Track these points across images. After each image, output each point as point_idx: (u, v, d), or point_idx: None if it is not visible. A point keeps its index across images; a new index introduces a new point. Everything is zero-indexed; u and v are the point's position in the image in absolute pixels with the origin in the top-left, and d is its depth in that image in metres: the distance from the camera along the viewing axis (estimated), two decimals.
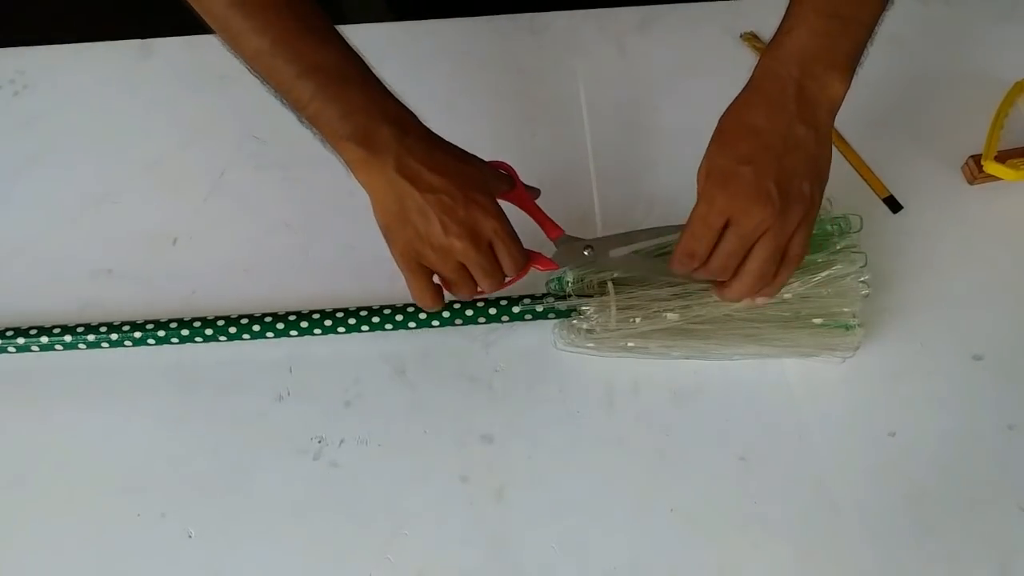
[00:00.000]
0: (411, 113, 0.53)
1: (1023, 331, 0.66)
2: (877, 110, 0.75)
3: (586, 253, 0.60)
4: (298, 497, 0.61)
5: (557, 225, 0.60)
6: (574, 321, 0.64)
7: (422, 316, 0.64)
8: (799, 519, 0.60)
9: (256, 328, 0.65)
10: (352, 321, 0.64)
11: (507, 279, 0.56)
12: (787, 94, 0.52)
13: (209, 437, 0.63)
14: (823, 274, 0.62)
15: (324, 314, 0.65)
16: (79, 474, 0.62)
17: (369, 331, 0.65)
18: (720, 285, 0.57)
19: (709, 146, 0.54)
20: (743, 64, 0.77)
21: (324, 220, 0.72)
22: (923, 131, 0.74)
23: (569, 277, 0.64)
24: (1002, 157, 0.69)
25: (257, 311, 0.66)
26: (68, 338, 0.65)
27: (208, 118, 0.77)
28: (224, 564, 0.59)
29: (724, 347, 0.63)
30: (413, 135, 0.52)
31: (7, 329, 0.66)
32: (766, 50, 0.54)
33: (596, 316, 0.63)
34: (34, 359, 0.66)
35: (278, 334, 0.65)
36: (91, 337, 0.65)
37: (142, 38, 0.81)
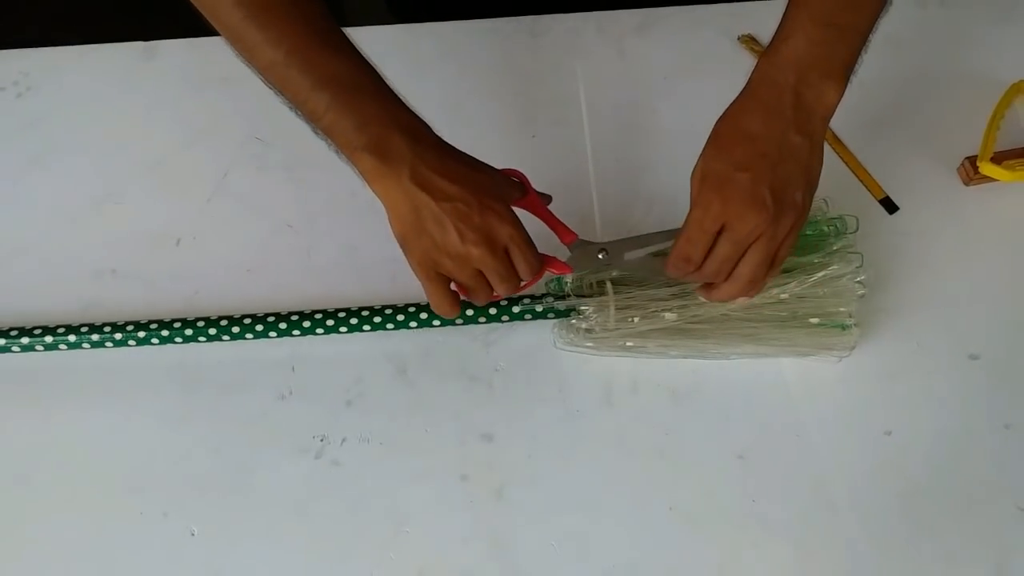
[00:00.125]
0: (424, 123, 0.54)
1: (1019, 331, 0.66)
2: (873, 111, 0.76)
3: (600, 256, 0.60)
4: (300, 496, 0.62)
5: (571, 230, 0.60)
6: (573, 321, 0.64)
7: (423, 316, 0.65)
8: (797, 518, 0.60)
9: (259, 328, 0.65)
10: (354, 321, 0.65)
11: (522, 283, 0.57)
12: (783, 101, 0.52)
13: (212, 436, 0.64)
14: (819, 274, 0.62)
15: (326, 314, 0.65)
16: (82, 473, 0.63)
17: (371, 331, 0.65)
18: (708, 286, 0.58)
19: (704, 150, 0.54)
20: (741, 66, 0.78)
21: (327, 221, 0.72)
22: (919, 132, 0.75)
23: (568, 277, 0.65)
24: (998, 158, 0.70)
25: (260, 311, 0.66)
26: (72, 338, 0.65)
27: (211, 119, 0.77)
28: (226, 562, 0.60)
29: (722, 347, 0.63)
30: (426, 145, 0.52)
31: (11, 329, 0.66)
32: (763, 56, 0.54)
33: (595, 316, 0.63)
34: (38, 359, 0.67)
35: (280, 334, 0.65)
36: (95, 337, 0.65)
37: (145, 40, 0.82)
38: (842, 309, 0.63)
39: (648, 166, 0.74)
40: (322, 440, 0.63)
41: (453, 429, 0.63)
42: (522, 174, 0.59)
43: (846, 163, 0.74)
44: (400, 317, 0.65)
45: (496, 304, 0.65)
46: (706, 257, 0.55)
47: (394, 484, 0.62)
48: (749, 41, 0.80)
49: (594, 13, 0.82)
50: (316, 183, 0.74)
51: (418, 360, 0.66)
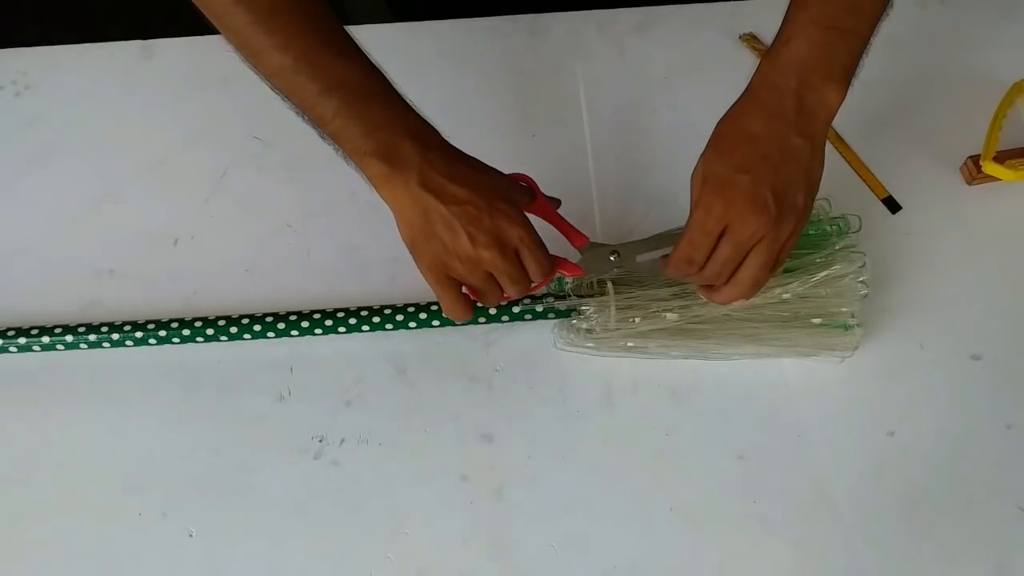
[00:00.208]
0: (433, 128, 0.53)
1: (1021, 331, 0.66)
2: (876, 111, 0.75)
3: (612, 259, 0.60)
4: (299, 496, 0.61)
5: (581, 233, 0.60)
6: (574, 321, 0.64)
7: (423, 316, 0.65)
8: (798, 518, 0.60)
9: (257, 328, 0.65)
10: (353, 321, 0.65)
11: (533, 284, 0.56)
12: (785, 104, 0.52)
13: (210, 436, 0.64)
14: (822, 274, 0.62)
15: (325, 314, 0.65)
16: (80, 473, 0.63)
17: (370, 331, 0.65)
18: (709, 288, 0.58)
19: (705, 151, 0.54)
20: (742, 65, 0.78)
21: (325, 220, 0.72)
22: (921, 132, 0.75)
23: (569, 277, 0.64)
24: (1000, 157, 0.69)
25: (258, 311, 0.66)
26: (70, 338, 0.65)
27: (210, 119, 0.77)
28: (225, 563, 0.59)
29: (723, 347, 0.63)
30: (435, 150, 0.52)
31: (9, 329, 0.66)
32: (764, 59, 0.54)
33: (596, 316, 0.63)
34: (36, 359, 0.67)
35: (279, 334, 0.65)
36: (93, 337, 0.65)
37: (144, 39, 0.81)
38: (844, 309, 0.63)
39: (648, 166, 0.74)
40: (321, 440, 0.63)
41: (453, 429, 0.63)
42: (530, 179, 0.59)
43: (848, 162, 0.74)
44: (399, 317, 0.65)
45: (495, 304, 0.65)
46: (708, 259, 0.54)
47: (393, 484, 0.62)
48: (750, 40, 0.79)
49: (594, 12, 0.82)
50: (315, 183, 0.73)
51: (418, 360, 0.66)
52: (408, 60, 0.79)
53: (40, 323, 0.66)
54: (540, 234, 0.55)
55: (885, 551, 0.59)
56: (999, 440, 0.62)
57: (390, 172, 0.51)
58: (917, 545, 0.59)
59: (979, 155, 0.70)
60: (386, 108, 0.52)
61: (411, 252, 0.54)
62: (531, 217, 0.56)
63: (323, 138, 0.53)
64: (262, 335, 0.65)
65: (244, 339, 0.65)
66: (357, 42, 0.53)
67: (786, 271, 0.63)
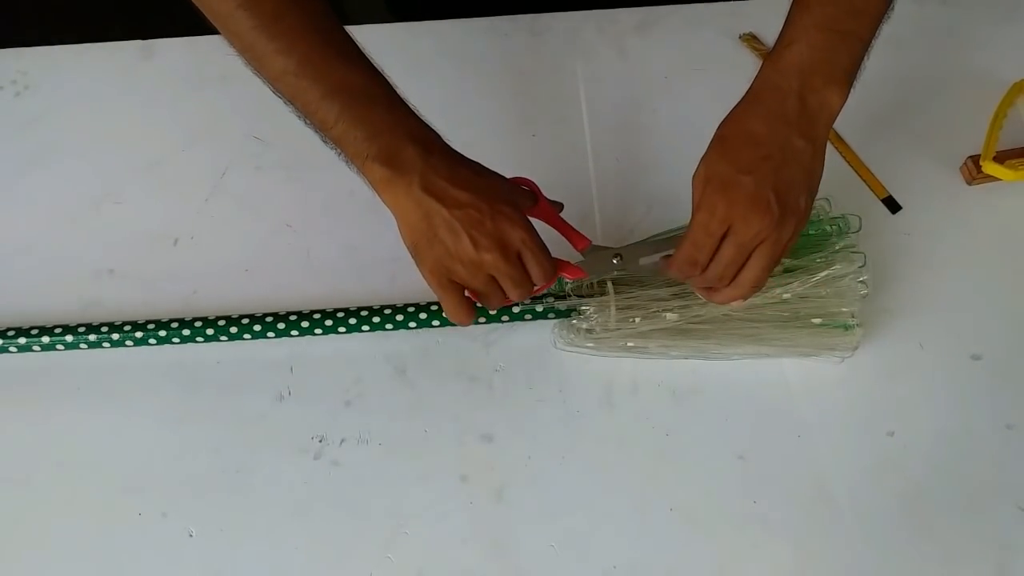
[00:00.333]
0: (435, 132, 0.54)
1: (1021, 331, 0.66)
2: (876, 111, 0.75)
3: (615, 262, 0.60)
4: (299, 496, 0.61)
5: (584, 236, 0.60)
6: (574, 321, 0.64)
7: (422, 316, 0.64)
8: (798, 518, 0.60)
9: (257, 328, 0.65)
10: (353, 321, 0.65)
11: (535, 287, 0.56)
12: (787, 106, 0.52)
13: (210, 436, 0.64)
14: (822, 274, 0.62)
15: (325, 314, 0.65)
16: (80, 473, 0.63)
17: (370, 331, 0.65)
18: (710, 289, 0.58)
19: (708, 153, 0.54)
20: (742, 65, 0.78)
21: (325, 220, 0.72)
22: (922, 132, 0.75)
23: (570, 279, 0.64)
24: (1001, 157, 0.69)
25: (258, 311, 0.66)
26: (70, 338, 0.65)
27: (209, 119, 0.77)
28: (225, 563, 0.59)
29: (723, 347, 0.63)
30: (437, 154, 0.52)
31: (9, 329, 0.66)
32: (766, 61, 0.54)
33: (596, 316, 0.63)
34: (36, 359, 0.66)
35: (279, 334, 0.65)
36: (93, 337, 0.65)
37: (143, 39, 0.81)
38: (844, 309, 0.63)
39: (648, 166, 0.74)
40: (321, 441, 0.63)
41: (453, 429, 0.63)
42: (532, 182, 0.59)
43: (848, 162, 0.74)
44: (399, 317, 0.65)
45: (497, 307, 0.64)
46: (711, 260, 0.55)
47: (393, 485, 0.62)
48: (751, 40, 0.79)
49: (594, 12, 0.82)
50: (315, 183, 0.73)
51: (418, 360, 0.66)
52: (408, 60, 0.79)
53: (40, 323, 0.66)
54: (542, 237, 0.55)
55: (885, 551, 0.59)
56: (999, 440, 0.62)
57: (392, 176, 0.51)
58: (917, 545, 0.59)
59: (979, 155, 0.70)
60: (388, 112, 0.52)
61: (413, 256, 0.54)
62: (534, 221, 0.56)
63: (325, 142, 0.53)
64: (262, 335, 0.65)
65: (244, 339, 0.65)
66: (360, 46, 0.53)
67: (786, 271, 0.63)
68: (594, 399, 0.64)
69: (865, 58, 0.54)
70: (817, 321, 0.63)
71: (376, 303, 0.66)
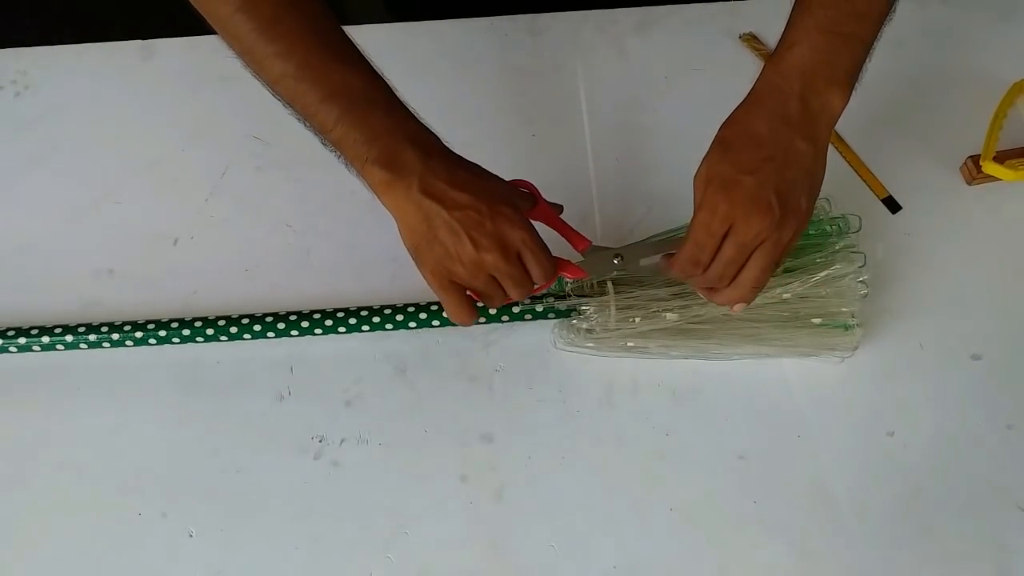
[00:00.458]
0: (434, 135, 0.54)
1: (1021, 331, 0.66)
2: (876, 111, 0.75)
3: (616, 262, 0.60)
4: (299, 496, 0.61)
5: (584, 237, 0.60)
6: (574, 321, 0.64)
7: (422, 316, 0.64)
8: (798, 518, 0.60)
9: (257, 328, 0.65)
10: (353, 321, 0.65)
11: (535, 286, 0.56)
12: (789, 108, 0.53)
13: (210, 436, 0.64)
14: (822, 274, 0.62)
15: (325, 314, 0.65)
16: (80, 473, 0.63)
17: (370, 331, 0.65)
18: (710, 289, 0.58)
19: (709, 153, 0.54)
20: (742, 65, 0.78)
21: (325, 220, 0.72)
22: (922, 132, 0.75)
23: (571, 279, 0.64)
24: (1001, 157, 0.69)
25: (258, 311, 0.66)
26: (69, 338, 0.65)
27: (209, 118, 0.77)
28: (225, 563, 0.59)
29: (723, 347, 0.63)
30: (436, 156, 0.52)
31: (8, 329, 0.66)
32: (768, 63, 0.54)
33: (596, 316, 0.63)
34: (36, 359, 0.66)
35: (279, 334, 0.65)
36: (92, 337, 0.65)
37: (143, 39, 0.81)
38: (844, 309, 0.63)
39: (648, 166, 0.74)
40: (321, 441, 0.63)
41: (453, 430, 0.63)
42: (531, 184, 0.59)
43: (849, 162, 0.74)
44: (399, 317, 0.65)
45: (498, 306, 0.64)
46: (712, 260, 0.55)
47: (393, 485, 0.62)
48: (750, 39, 0.79)
49: (594, 11, 0.82)
50: (315, 182, 0.73)
51: (417, 360, 0.66)
52: (407, 60, 0.80)
53: (40, 323, 0.66)
54: (543, 238, 0.55)
55: (885, 551, 0.59)
56: (999, 440, 0.62)
57: (392, 179, 0.51)
58: (917, 545, 0.59)
59: (979, 155, 0.70)
60: (388, 115, 0.52)
61: (414, 258, 0.54)
62: (534, 223, 0.56)
63: (325, 145, 0.53)
64: (262, 335, 0.65)
65: (244, 339, 0.65)
66: (359, 49, 0.53)
67: (786, 271, 0.63)
68: (594, 399, 0.64)
69: (867, 60, 0.54)
70: (817, 321, 0.63)
71: (376, 303, 0.66)
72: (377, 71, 0.53)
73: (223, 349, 0.66)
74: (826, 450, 0.62)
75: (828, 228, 0.66)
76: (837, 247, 0.64)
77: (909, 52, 0.78)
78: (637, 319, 0.63)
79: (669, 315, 0.62)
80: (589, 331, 0.63)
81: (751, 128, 0.53)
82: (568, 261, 0.58)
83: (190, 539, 0.60)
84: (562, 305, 0.64)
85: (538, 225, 0.56)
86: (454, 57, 0.80)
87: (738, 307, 0.58)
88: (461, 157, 0.54)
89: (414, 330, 0.66)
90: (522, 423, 0.63)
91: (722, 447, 0.62)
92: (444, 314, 0.64)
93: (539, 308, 0.65)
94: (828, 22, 0.52)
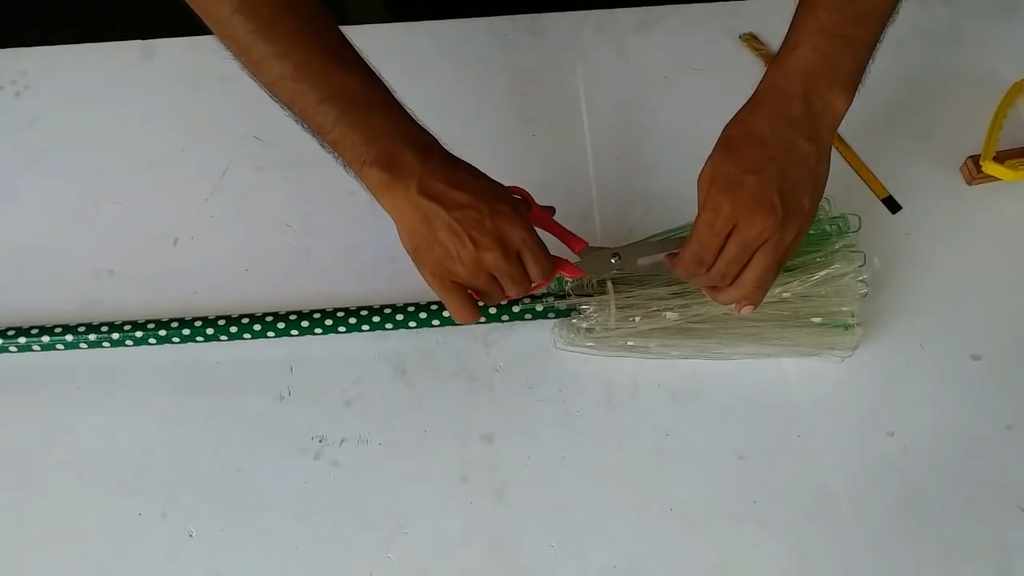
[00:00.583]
0: (433, 137, 0.54)
1: (1021, 331, 0.66)
2: (876, 111, 0.75)
3: (613, 261, 0.60)
4: (299, 496, 0.61)
5: (580, 238, 0.60)
6: (574, 320, 0.64)
7: (422, 316, 0.64)
8: (798, 518, 0.60)
9: (257, 327, 0.65)
10: (353, 320, 0.65)
11: (533, 284, 0.57)
12: (792, 109, 0.53)
13: (210, 436, 0.63)
14: (822, 273, 0.62)
15: (325, 313, 0.65)
16: (80, 473, 0.63)
17: (370, 330, 0.65)
18: (713, 288, 0.58)
19: (713, 153, 0.54)
20: (742, 65, 0.78)
21: (325, 220, 0.72)
22: (922, 132, 0.75)
23: (569, 278, 0.64)
24: (1001, 157, 0.69)
25: (258, 311, 0.66)
26: (69, 337, 0.65)
27: (209, 118, 0.77)
28: (225, 563, 0.59)
29: (723, 346, 0.63)
30: (435, 159, 0.53)
31: (9, 328, 0.66)
32: (771, 65, 0.55)
33: (595, 315, 0.63)
34: (36, 358, 0.66)
35: (279, 333, 0.65)
36: (92, 336, 0.65)
37: (143, 39, 0.81)
38: (844, 308, 0.63)
39: (648, 166, 0.74)
40: (321, 441, 0.63)
41: (453, 430, 0.63)
42: (524, 190, 0.59)
43: (849, 162, 0.73)
44: (399, 316, 0.65)
45: (496, 303, 0.65)
46: (715, 259, 0.55)
47: (393, 485, 0.62)
48: (750, 40, 0.79)
49: (594, 11, 0.82)
50: (315, 182, 0.73)
51: (417, 360, 0.66)
52: (406, 60, 0.80)
53: (40, 323, 0.66)
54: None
55: (885, 551, 0.59)
56: (999, 440, 0.62)
57: (390, 180, 0.52)
58: (917, 545, 0.59)
59: (979, 155, 0.70)
60: (386, 117, 0.52)
61: (414, 260, 0.55)
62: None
63: (323, 146, 0.54)
64: (262, 335, 0.65)
65: (244, 339, 0.65)
66: (358, 51, 0.53)
67: (786, 270, 0.63)
68: (594, 399, 0.64)
69: (870, 62, 0.54)
70: (817, 320, 0.63)
71: (376, 303, 0.66)
72: (375, 73, 0.53)
73: (223, 349, 0.66)
74: (826, 450, 0.62)
75: (828, 228, 0.66)
76: (837, 246, 0.64)
77: (909, 52, 0.78)
78: (637, 318, 0.63)
79: (669, 314, 0.62)
80: (589, 330, 0.63)
81: (754, 129, 0.53)
82: (566, 260, 0.59)
83: (190, 539, 0.60)
84: (562, 304, 0.64)
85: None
86: (454, 57, 0.80)
87: (746, 309, 0.58)
88: (459, 159, 0.55)
89: (414, 330, 0.66)
90: (522, 423, 0.63)
91: (722, 447, 0.62)
92: (444, 313, 0.64)
93: (539, 308, 0.65)
94: (831, 24, 0.52)
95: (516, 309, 0.65)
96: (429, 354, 0.66)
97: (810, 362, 0.64)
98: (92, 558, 0.60)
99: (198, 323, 0.65)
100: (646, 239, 0.65)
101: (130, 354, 0.66)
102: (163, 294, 0.69)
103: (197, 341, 0.65)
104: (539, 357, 0.66)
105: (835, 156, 0.73)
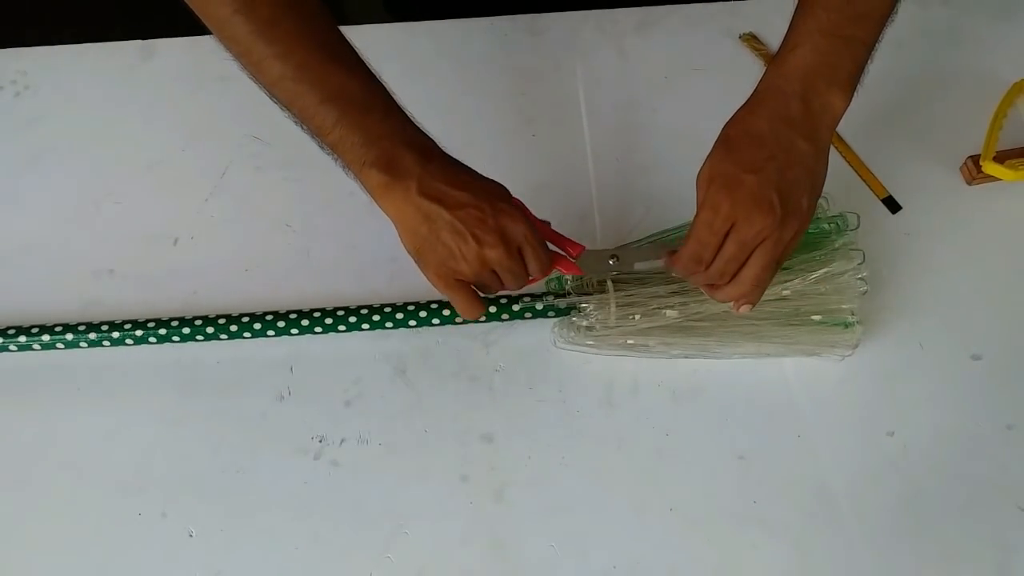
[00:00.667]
0: (431, 139, 0.54)
1: (1021, 331, 0.66)
2: (876, 111, 0.75)
3: (611, 262, 0.60)
4: (299, 496, 0.61)
5: (576, 243, 0.60)
6: (574, 319, 0.64)
7: (422, 315, 0.64)
8: (798, 518, 0.60)
9: (257, 326, 0.65)
10: (353, 320, 0.65)
11: (530, 278, 0.57)
12: (791, 108, 0.53)
13: (210, 436, 0.63)
14: (821, 271, 0.62)
15: (325, 313, 0.65)
16: (80, 473, 0.62)
17: (370, 330, 0.65)
18: (711, 286, 0.58)
19: (712, 152, 0.54)
20: (742, 65, 0.78)
21: (325, 220, 0.72)
22: (922, 132, 0.75)
23: (569, 275, 0.64)
24: (1000, 157, 0.69)
25: (258, 310, 0.66)
26: (70, 336, 0.65)
27: (209, 118, 0.77)
28: (225, 563, 0.59)
29: (723, 345, 0.63)
30: (435, 160, 0.53)
31: (9, 327, 0.66)
32: (770, 65, 0.55)
33: (596, 314, 0.63)
34: (36, 358, 0.66)
35: (279, 332, 0.65)
36: (93, 336, 0.65)
37: (143, 39, 0.81)
38: (844, 306, 0.63)
39: (648, 166, 0.74)
40: (321, 441, 0.63)
41: (453, 429, 0.63)
42: (519, 201, 0.59)
43: (849, 162, 0.74)
44: (399, 316, 0.65)
45: (496, 303, 0.65)
46: (714, 257, 0.55)
47: (393, 485, 0.62)
48: (751, 40, 0.79)
49: (594, 11, 0.82)
50: (315, 182, 0.73)
51: (417, 360, 0.66)
52: (406, 60, 0.80)
53: (40, 322, 0.66)
54: None
55: (885, 551, 0.59)
56: (999, 440, 0.62)
57: (390, 181, 0.52)
58: (917, 545, 0.59)
59: (979, 155, 0.70)
60: (386, 119, 0.53)
61: (416, 261, 0.55)
62: None
63: (322, 147, 0.54)
64: (262, 334, 0.65)
65: (244, 338, 0.65)
66: (357, 52, 0.53)
67: (786, 268, 0.63)
68: (594, 399, 0.64)
69: (869, 62, 0.54)
70: (817, 318, 0.63)
71: (376, 302, 0.66)
72: (375, 75, 0.54)
73: (223, 349, 0.66)
74: (826, 449, 0.62)
75: (827, 226, 0.66)
76: (836, 245, 0.64)
77: (909, 52, 0.78)
78: (637, 316, 0.63)
79: (669, 312, 0.62)
80: (589, 329, 0.63)
81: (753, 128, 0.53)
82: (564, 256, 0.59)
83: (190, 539, 0.60)
84: (562, 303, 0.64)
85: None
86: (454, 57, 0.80)
87: (744, 308, 0.58)
88: (457, 161, 0.55)
89: (414, 330, 0.66)
90: (522, 423, 0.63)
91: (722, 447, 0.62)
92: (444, 313, 0.64)
93: (539, 306, 0.65)
94: (830, 24, 0.53)
95: (516, 308, 0.65)
96: (429, 354, 0.66)
97: (810, 362, 0.64)
98: (92, 558, 0.60)
99: (198, 322, 0.65)
100: (643, 241, 0.65)
101: (130, 353, 0.66)
102: (163, 294, 0.69)
103: (197, 340, 0.65)
104: (539, 357, 0.66)
105: (835, 156, 0.73)
